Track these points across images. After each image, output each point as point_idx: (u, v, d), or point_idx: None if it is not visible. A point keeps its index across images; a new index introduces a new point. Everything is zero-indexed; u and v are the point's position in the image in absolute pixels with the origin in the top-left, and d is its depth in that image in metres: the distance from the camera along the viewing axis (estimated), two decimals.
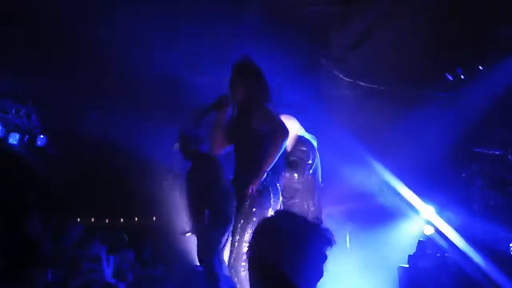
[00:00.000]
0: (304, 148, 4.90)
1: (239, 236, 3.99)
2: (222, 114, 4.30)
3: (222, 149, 4.43)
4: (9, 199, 6.53)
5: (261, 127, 4.11)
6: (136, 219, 9.84)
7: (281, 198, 4.25)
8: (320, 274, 1.89)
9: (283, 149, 4.09)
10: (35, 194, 6.89)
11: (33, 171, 8.56)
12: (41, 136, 8.90)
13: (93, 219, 9.34)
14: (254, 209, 3.99)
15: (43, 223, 6.48)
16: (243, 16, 7.42)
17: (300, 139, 4.96)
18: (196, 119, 4.33)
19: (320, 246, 1.87)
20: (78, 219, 8.10)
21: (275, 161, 4.04)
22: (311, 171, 4.88)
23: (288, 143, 4.95)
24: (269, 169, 4.03)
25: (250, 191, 3.96)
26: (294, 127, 4.99)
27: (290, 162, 4.86)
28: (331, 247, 1.88)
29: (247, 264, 1.97)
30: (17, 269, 5.13)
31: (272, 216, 1.99)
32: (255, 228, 2.04)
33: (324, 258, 1.88)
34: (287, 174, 4.75)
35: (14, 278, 5.11)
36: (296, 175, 4.79)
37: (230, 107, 4.32)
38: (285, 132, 4.08)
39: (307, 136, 5.04)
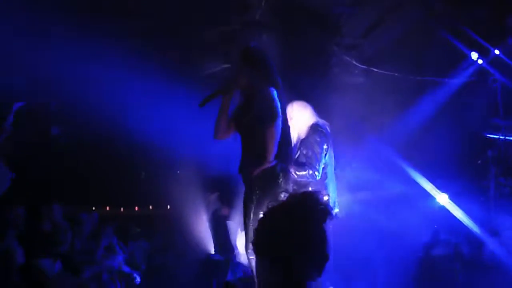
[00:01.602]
0: (318, 139, 4.86)
1: (252, 223, 3.99)
2: (227, 99, 4.29)
3: (226, 136, 4.41)
4: (24, 189, 6.57)
5: (260, 112, 4.10)
6: (150, 207, 9.90)
7: (291, 184, 4.24)
8: (325, 258, 1.88)
9: (278, 131, 4.06)
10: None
11: (48, 161, 8.61)
12: (55, 126, 8.95)
13: (108, 208, 9.41)
14: (265, 196, 3.98)
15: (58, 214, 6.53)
16: (255, 4, 7.38)
17: (314, 128, 4.91)
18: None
19: (321, 223, 1.87)
20: (93, 208, 8.13)
21: (275, 145, 4.02)
22: (323, 160, 4.86)
23: (302, 132, 4.93)
24: (272, 154, 4.01)
25: (255, 174, 3.96)
26: (308, 115, 4.96)
27: (304, 154, 4.81)
28: (331, 219, 1.88)
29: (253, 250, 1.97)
30: (30, 259, 5.17)
31: (278, 203, 1.97)
32: (262, 214, 2.03)
33: (326, 235, 1.87)
34: (301, 171, 4.72)
35: (27, 268, 5.15)
36: (310, 171, 4.75)
37: (236, 93, 4.31)
38: (274, 115, 4.04)
39: (321, 123, 5.00)
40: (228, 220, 7.56)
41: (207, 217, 8.23)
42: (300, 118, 4.95)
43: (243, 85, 4.24)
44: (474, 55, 7.88)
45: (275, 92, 4.12)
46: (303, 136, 4.91)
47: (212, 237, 7.97)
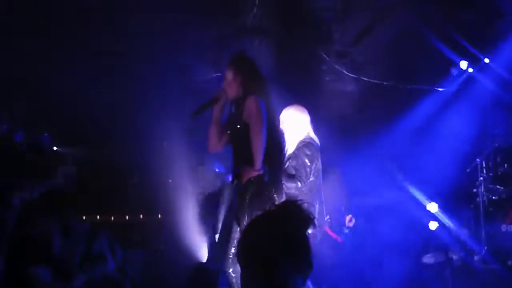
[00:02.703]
0: (309, 152, 4.85)
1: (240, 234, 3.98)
2: (218, 109, 4.28)
3: (220, 146, 4.39)
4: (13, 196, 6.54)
5: (246, 121, 4.10)
6: (141, 216, 9.86)
7: (284, 195, 4.24)
8: (309, 266, 1.89)
9: (262, 140, 4.04)
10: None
11: (39, 169, 8.58)
12: (45, 134, 8.93)
13: (98, 217, 9.37)
14: (254, 206, 3.98)
15: (49, 222, 6.50)
16: (244, 11, 7.40)
17: (305, 142, 4.91)
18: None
19: (304, 231, 1.88)
20: (84, 217, 8.10)
21: (260, 153, 4.01)
22: (311, 174, 4.86)
23: (293, 143, 4.92)
24: (259, 162, 4.01)
25: (244, 182, 3.97)
26: (301, 124, 4.95)
27: (294, 166, 4.81)
28: (313, 228, 1.91)
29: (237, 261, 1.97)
30: (20, 268, 5.14)
31: (262, 212, 1.98)
32: (246, 226, 2.04)
33: (309, 243, 1.89)
34: (290, 182, 4.73)
35: (16, 277, 5.12)
36: (299, 183, 4.76)
37: (226, 103, 4.31)
38: (258, 123, 4.05)
39: (312, 135, 5.00)
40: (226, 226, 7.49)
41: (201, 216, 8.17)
42: (293, 125, 4.94)
43: (233, 94, 4.24)
44: (463, 64, 7.93)
45: (260, 101, 4.13)
46: (293, 148, 4.92)
47: (207, 245, 7.94)
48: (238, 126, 4.15)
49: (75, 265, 6.59)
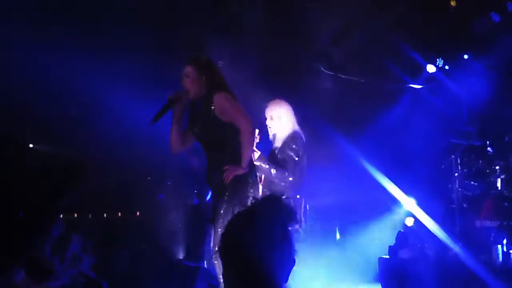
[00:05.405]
0: (295, 146, 4.90)
1: (220, 228, 4.00)
2: (178, 110, 4.25)
3: (184, 147, 4.36)
4: None
5: (228, 120, 4.09)
6: (119, 214, 9.79)
7: (261, 188, 4.28)
8: (292, 263, 1.91)
9: (254, 138, 4.10)
10: None
11: (16, 167, 8.47)
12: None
13: (76, 215, 9.27)
14: (234, 202, 3.99)
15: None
16: (222, 8, 7.39)
17: (292, 135, 4.96)
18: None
19: (286, 226, 1.90)
20: (61, 215, 8.04)
21: (251, 151, 4.07)
22: (300, 168, 4.92)
23: (280, 137, 4.96)
24: (248, 160, 4.04)
25: (227, 181, 3.97)
26: (287, 118, 5.00)
27: (280, 159, 4.86)
28: (297, 225, 1.93)
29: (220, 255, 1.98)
30: None
31: (244, 208, 2.00)
32: (229, 219, 2.06)
33: (291, 238, 1.91)
34: (278, 172, 4.77)
35: None
36: (287, 173, 4.81)
37: (186, 102, 4.26)
38: (250, 123, 4.08)
39: (297, 128, 5.05)
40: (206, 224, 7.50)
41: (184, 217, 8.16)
42: (278, 120, 4.98)
43: (196, 93, 4.21)
44: (439, 61, 8.04)
45: (232, 98, 4.13)
46: (280, 142, 4.96)
47: (186, 242, 7.93)
48: (217, 125, 4.11)
49: (50, 265, 6.53)
